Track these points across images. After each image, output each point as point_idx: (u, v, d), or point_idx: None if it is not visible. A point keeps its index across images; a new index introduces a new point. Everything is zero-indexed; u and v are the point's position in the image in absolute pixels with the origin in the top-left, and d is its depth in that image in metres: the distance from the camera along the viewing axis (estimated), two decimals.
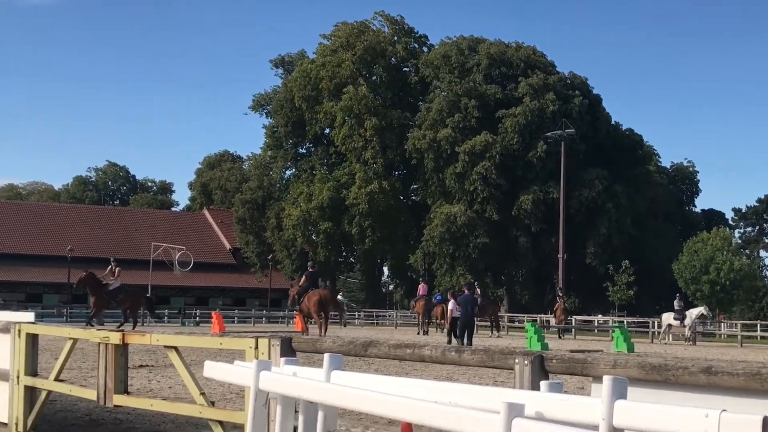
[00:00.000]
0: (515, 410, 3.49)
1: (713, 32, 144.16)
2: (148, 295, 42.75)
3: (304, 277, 33.73)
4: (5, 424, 9.58)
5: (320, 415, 5.09)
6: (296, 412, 5.45)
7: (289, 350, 6.59)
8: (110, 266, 35.03)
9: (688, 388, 4.11)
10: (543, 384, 4.09)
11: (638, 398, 3.68)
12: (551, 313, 50.55)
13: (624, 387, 3.55)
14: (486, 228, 68.39)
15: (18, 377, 9.36)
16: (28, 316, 9.98)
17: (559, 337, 44.09)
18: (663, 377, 4.18)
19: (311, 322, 33.51)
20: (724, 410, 3.18)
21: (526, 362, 4.88)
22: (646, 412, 3.41)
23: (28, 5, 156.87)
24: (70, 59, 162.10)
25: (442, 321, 42.46)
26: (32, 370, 9.44)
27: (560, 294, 50.34)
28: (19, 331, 9.41)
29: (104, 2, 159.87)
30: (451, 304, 32.35)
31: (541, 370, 4.85)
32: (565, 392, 3.93)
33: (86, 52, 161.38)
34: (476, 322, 37.54)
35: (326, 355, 5.24)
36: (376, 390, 4.50)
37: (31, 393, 9.35)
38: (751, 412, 3.17)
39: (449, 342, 28.89)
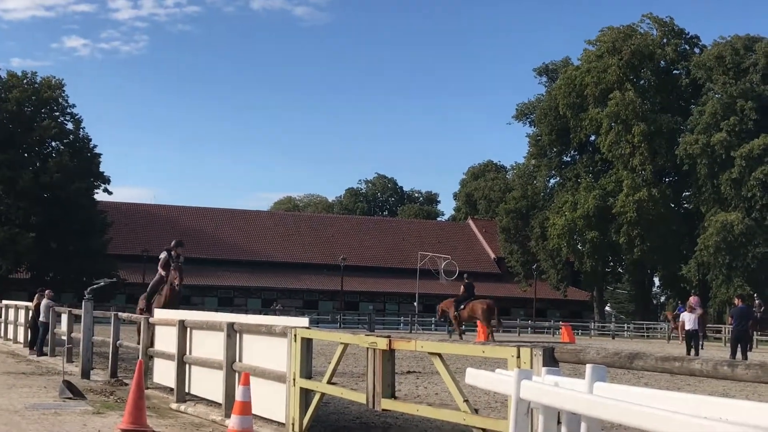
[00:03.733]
0: None
1: None
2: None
3: (462, 288, 38.75)
4: (282, 424, 10.16)
5: (583, 426, 5.00)
6: (559, 423, 5.38)
7: (551, 360, 6.51)
8: (170, 258, 20.43)
9: None
10: None
11: None
12: None
13: None
14: (766, 236, 64.48)
15: (294, 379, 9.87)
16: (303, 321, 10.47)
17: None
18: None
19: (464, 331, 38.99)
20: None
21: None
22: None
23: (306, 26, 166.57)
24: (340, 77, 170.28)
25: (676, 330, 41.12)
26: (307, 372, 9.92)
27: None
28: (295, 335, 9.94)
29: (370, 20, 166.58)
30: (684, 316, 30.94)
31: None
32: None
33: (354, 69, 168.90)
34: (756, 336, 35.39)
35: (588, 366, 5.14)
36: (641, 403, 4.35)
37: (306, 394, 9.83)
38: None
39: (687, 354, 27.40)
